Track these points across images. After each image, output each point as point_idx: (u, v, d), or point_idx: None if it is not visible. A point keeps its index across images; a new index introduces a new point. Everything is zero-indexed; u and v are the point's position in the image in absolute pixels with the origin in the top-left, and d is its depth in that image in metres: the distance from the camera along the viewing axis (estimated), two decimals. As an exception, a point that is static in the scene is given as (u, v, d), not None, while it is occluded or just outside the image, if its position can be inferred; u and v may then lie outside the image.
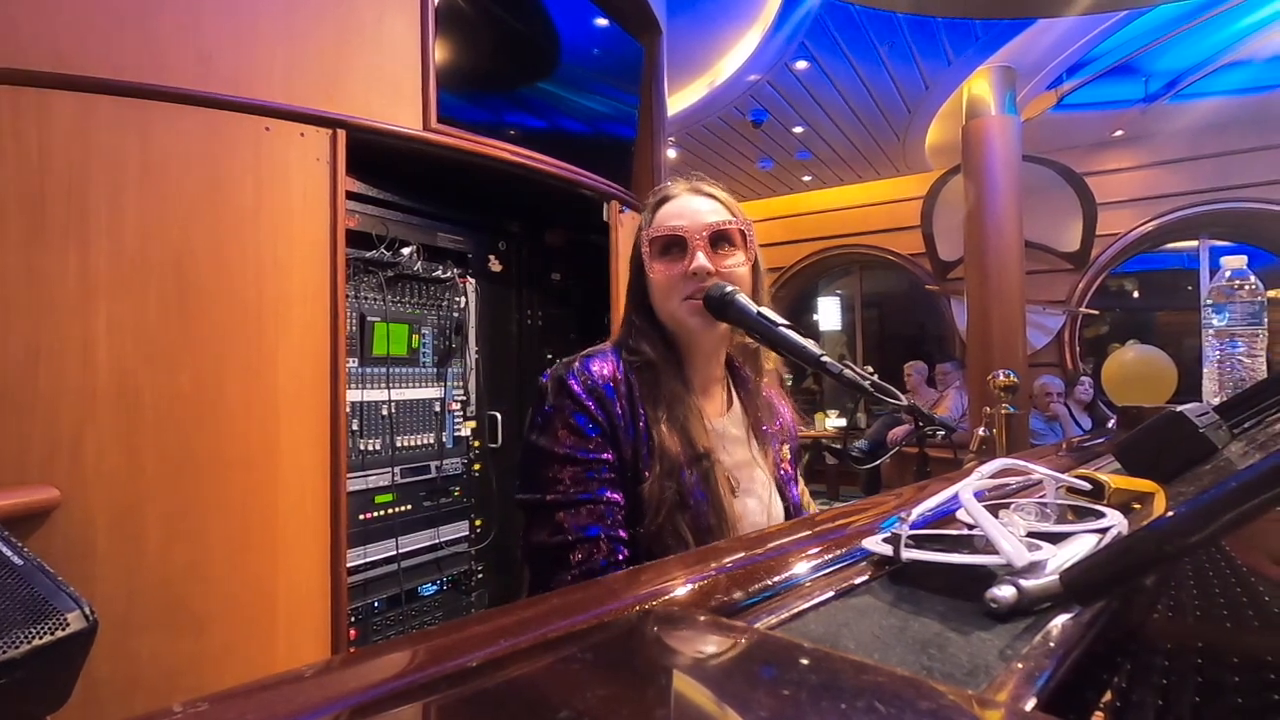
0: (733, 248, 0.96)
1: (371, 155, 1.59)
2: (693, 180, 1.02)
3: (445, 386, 2.02)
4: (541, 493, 0.86)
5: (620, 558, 0.85)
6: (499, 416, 2.17)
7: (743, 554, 0.55)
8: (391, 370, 1.85)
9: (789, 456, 1.08)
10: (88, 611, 0.84)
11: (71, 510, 1.20)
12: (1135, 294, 6.73)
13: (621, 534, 0.86)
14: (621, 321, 1.03)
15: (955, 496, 0.54)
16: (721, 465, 0.93)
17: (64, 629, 0.82)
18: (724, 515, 0.89)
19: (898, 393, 0.85)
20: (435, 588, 1.97)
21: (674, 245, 0.95)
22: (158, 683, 1.24)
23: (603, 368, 0.93)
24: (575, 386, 0.89)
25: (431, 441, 1.97)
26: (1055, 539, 0.50)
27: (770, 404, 1.07)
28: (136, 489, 1.25)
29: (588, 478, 0.86)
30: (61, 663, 0.83)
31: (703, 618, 0.41)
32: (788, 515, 1.03)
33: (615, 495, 0.87)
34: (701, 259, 0.92)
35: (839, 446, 6.59)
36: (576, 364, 0.93)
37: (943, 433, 0.95)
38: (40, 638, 0.80)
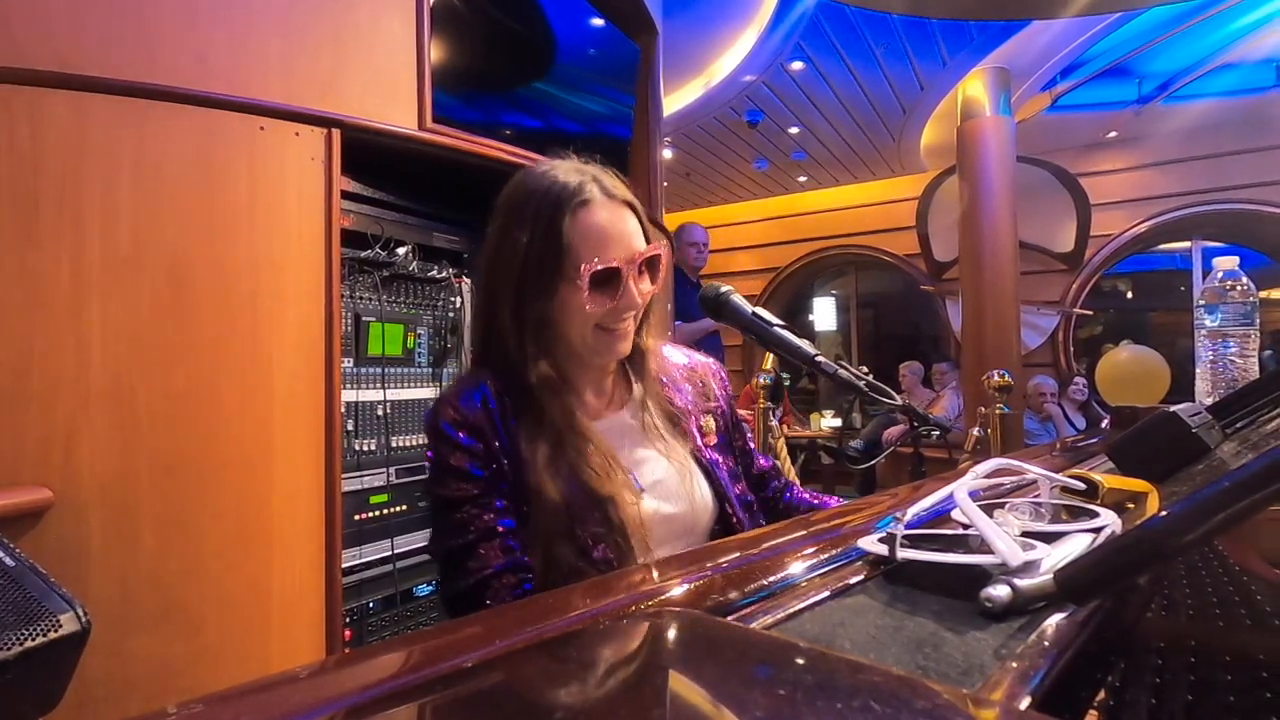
0: (654, 272, 0.90)
1: (367, 155, 1.59)
2: (594, 170, 0.93)
3: (441, 387, 2.02)
4: (444, 540, 0.87)
5: (517, 561, 0.84)
6: (495, 417, 2.17)
7: (738, 554, 0.55)
8: (387, 370, 1.85)
9: (715, 427, 1.00)
10: (81, 613, 0.84)
11: (64, 511, 1.19)
12: (1129, 294, 6.76)
13: (514, 543, 0.85)
14: (483, 332, 0.94)
15: (950, 496, 0.54)
16: (624, 478, 0.88)
17: (57, 630, 0.81)
18: (627, 536, 0.84)
19: (893, 393, 0.85)
20: (431, 588, 1.96)
21: (607, 276, 0.86)
22: (152, 684, 1.23)
23: (473, 398, 0.89)
24: (447, 428, 0.87)
25: (427, 442, 1.96)
26: (1050, 538, 0.50)
27: (672, 381, 1.00)
28: (130, 489, 1.25)
29: (480, 514, 0.85)
30: (54, 664, 0.83)
31: (698, 617, 0.41)
32: (717, 493, 0.94)
33: (507, 520, 0.86)
34: (634, 294, 0.86)
35: (834, 446, 6.60)
36: (445, 399, 0.90)
37: (937, 433, 0.95)
38: (32, 639, 0.79)
